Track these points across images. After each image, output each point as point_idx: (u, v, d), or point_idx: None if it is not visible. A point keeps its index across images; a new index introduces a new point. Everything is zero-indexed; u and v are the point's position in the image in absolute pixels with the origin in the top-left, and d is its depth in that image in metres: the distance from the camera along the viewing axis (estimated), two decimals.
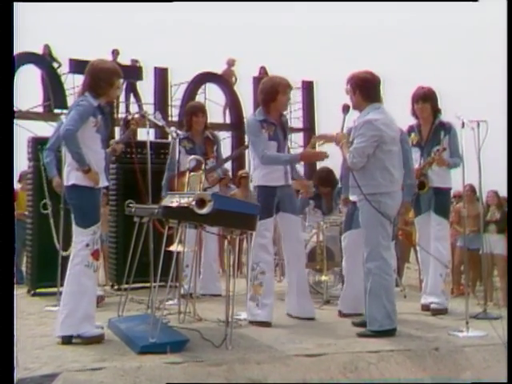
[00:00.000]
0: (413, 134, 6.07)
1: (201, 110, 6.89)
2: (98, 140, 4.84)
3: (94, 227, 4.75)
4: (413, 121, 6.14)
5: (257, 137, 5.44)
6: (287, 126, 5.74)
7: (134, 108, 17.19)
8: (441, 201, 5.99)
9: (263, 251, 5.39)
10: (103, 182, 4.89)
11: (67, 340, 4.69)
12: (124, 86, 17.19)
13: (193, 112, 6.79)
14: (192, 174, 5.41)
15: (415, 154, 6.01)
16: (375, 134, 4.94)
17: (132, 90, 17.57)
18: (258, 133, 5.44)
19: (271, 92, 5.43)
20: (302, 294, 5.65)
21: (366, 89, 5.03)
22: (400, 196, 5.17)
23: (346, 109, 5.12)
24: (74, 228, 4.84)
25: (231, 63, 18.66)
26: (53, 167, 6.42)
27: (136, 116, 6.10)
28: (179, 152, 6.34)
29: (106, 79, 4.83)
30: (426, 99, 5.94)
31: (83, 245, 4.72)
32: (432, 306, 5.89)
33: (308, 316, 5.62)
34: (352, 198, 5.67)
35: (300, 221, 5.86)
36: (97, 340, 4.73)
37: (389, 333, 4.94)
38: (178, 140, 6.24)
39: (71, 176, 4.76)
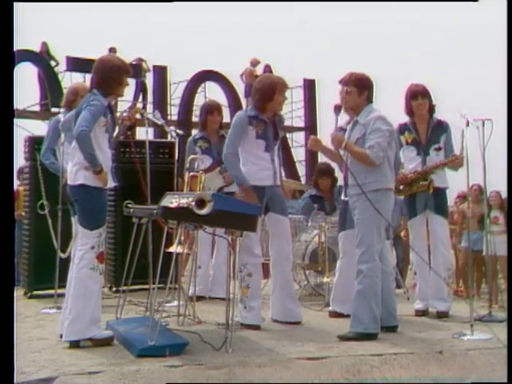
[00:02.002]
0: (406, 133, 5.91)
1: (216, 108, 6.88)
2: (106, 139, 4.71)
3: (100, 229, 4.62)
4: (403, 119, 5.97)
5: (236, 135, 5.31)
6: (281, 126, 5.54)
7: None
8: (441, 201, 5.89)
9: (249, 253, 5.26)
10: (111, 183, 4.77)
11: (75, 344, 4.59)
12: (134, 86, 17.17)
13: (208, 111, 6.78)
14: (191, 173, 5.35)
15: (410, 153, 5.90)
16: (389, 128, 5.01)
17: (142, 89, 17.46)
18: (240, 131, 5.31)
19: (268, 91, 5.30)
20: (289, 297, 5.48)
21: (371, 91, 5.10)
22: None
23: (338, 109, 5.14)
24: (80, 229, 4.71)
25: (255, 63, 18.49)
26: (58, 166, 6.10)
27: (127, 112, 5.95)
28: (184, 152, 6.26)
29: (116, 78, 4.70)
30: (424, 95, 5.84)
31: (88, 247, 4.59)
32: (438, 308, 5.79)
33: (295, 320, 5.45)
34: (344, 197, 5.62)
35: (289, 221, 5.69)
36: (108, 341, 4.65)
37: (372, 336, 4.86)
38: (177, 139, 6.15)
39: (79, 175, 4.60)
